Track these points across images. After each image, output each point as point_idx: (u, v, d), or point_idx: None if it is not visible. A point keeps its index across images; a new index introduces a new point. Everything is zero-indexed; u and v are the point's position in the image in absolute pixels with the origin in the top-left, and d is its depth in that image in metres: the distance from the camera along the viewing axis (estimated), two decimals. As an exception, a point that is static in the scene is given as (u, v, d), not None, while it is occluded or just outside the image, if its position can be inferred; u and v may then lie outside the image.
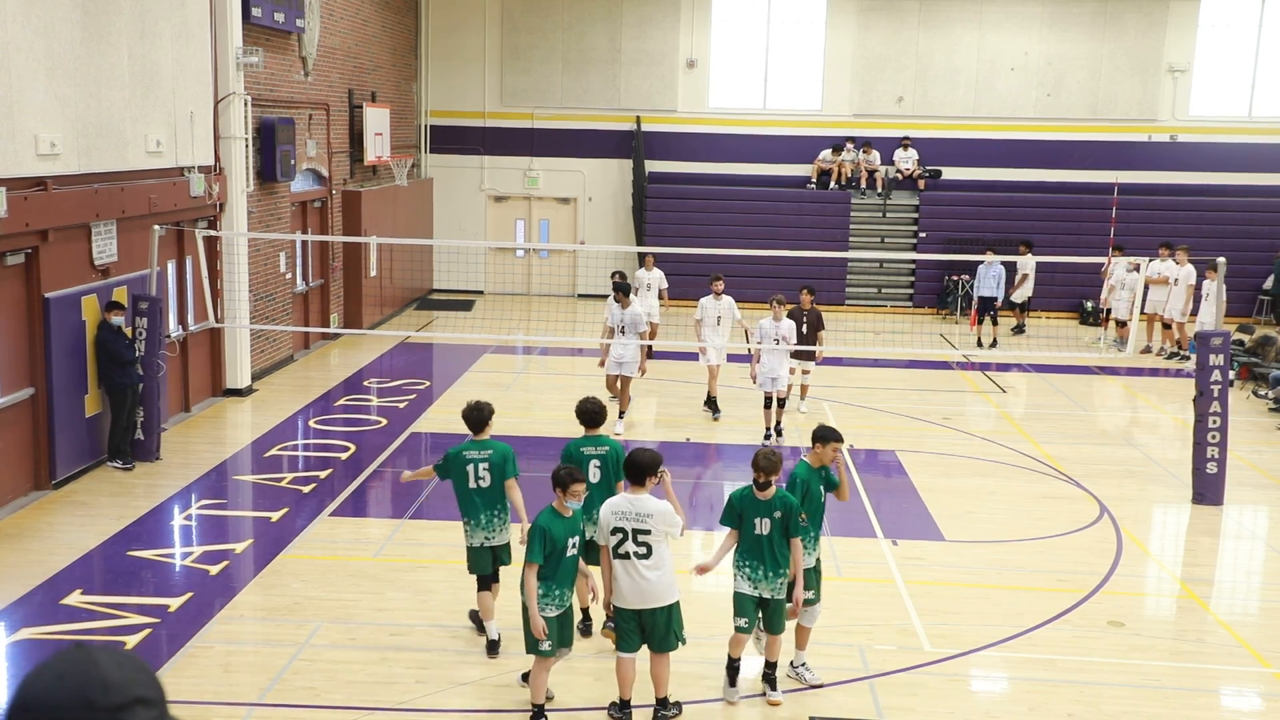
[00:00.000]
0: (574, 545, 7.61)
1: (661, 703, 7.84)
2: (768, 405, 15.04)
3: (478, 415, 8.75)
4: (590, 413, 9.10)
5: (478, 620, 9.04)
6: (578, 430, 15.78)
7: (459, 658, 8.77)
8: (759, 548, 7.94)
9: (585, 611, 9.16)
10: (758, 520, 7.92)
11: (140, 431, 13.47)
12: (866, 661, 8.88)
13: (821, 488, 8.38)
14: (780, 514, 7.92)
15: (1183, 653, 9.32)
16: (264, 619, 9.40)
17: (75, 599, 9.66)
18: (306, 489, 12.85)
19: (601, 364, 15.75)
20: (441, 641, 9.05)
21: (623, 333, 15.11)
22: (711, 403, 16.34)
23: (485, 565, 8.76)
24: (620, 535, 7.57)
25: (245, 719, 7.82)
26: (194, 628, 9.13)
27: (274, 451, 14.38)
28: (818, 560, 8.48)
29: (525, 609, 7.52)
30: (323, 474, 13.46)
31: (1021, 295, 23.17)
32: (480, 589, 8.84)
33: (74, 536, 11.10)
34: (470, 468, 8.63)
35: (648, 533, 7.54)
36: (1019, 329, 23.68)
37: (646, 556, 7.54)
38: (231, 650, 8.88)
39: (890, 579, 10.61)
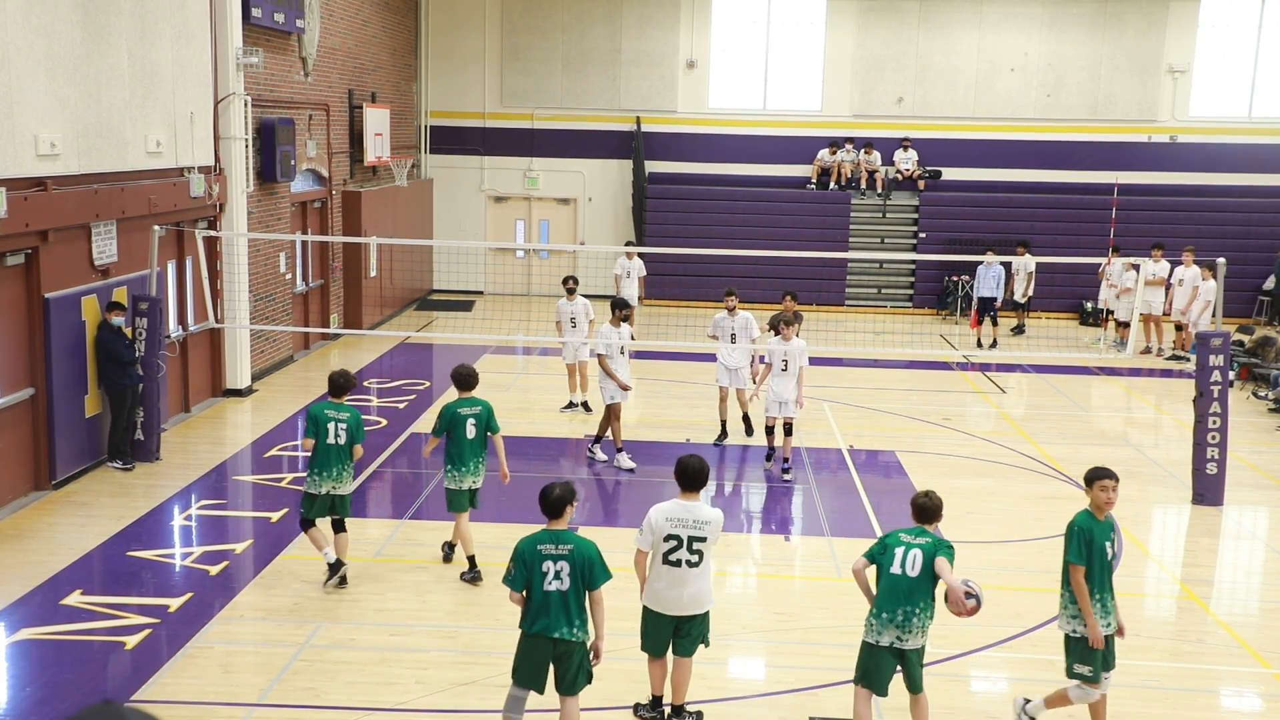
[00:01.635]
0: None
1: (677, 710, 7.77)
2: (770, 430, 13.99)
3: (343, 382, 10.10)
4: (464, 376, 10.32)
5: (336, 570, 10.00)
6: (575, 431, 15.81)
7: (459, 658, 8.77)
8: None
9: (449, 545, 10.61)
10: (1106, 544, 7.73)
11: (140, 432, 13.47)
12: (866, 661, 8.87)
13: (1108, 544, 7.71)
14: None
15: (1183, 653, 9.32)
16: (264, 619, 9.39)
17: (75, 599, 9.66)
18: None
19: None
20: (441, 642, 9.06)
21: (621, 353, 14.01)
22: (725, 430, 15.14)
23: (325, 510, 10.03)
24: (674, 542, 7.44)
25: (245, 719, 7.83)
26: (194, 628, 9.13)
27: (274, 451, 14.37)
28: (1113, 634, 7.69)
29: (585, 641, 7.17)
30: (323, 474, 13.43)
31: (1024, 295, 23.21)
32: (307, 528, 10.05)
33: (74, 536, 11.10)
34: (331, 426, 9.90)
35: (703, 540, 7.47)
36: (1019, 329, 23.69)
37: (698, 565, 7.47)
38: (231, 650, 8.88)
39: (890, 579, 10.59)
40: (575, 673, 7.06)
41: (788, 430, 13.63)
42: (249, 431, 15.36)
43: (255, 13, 16.83)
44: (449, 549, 10.74)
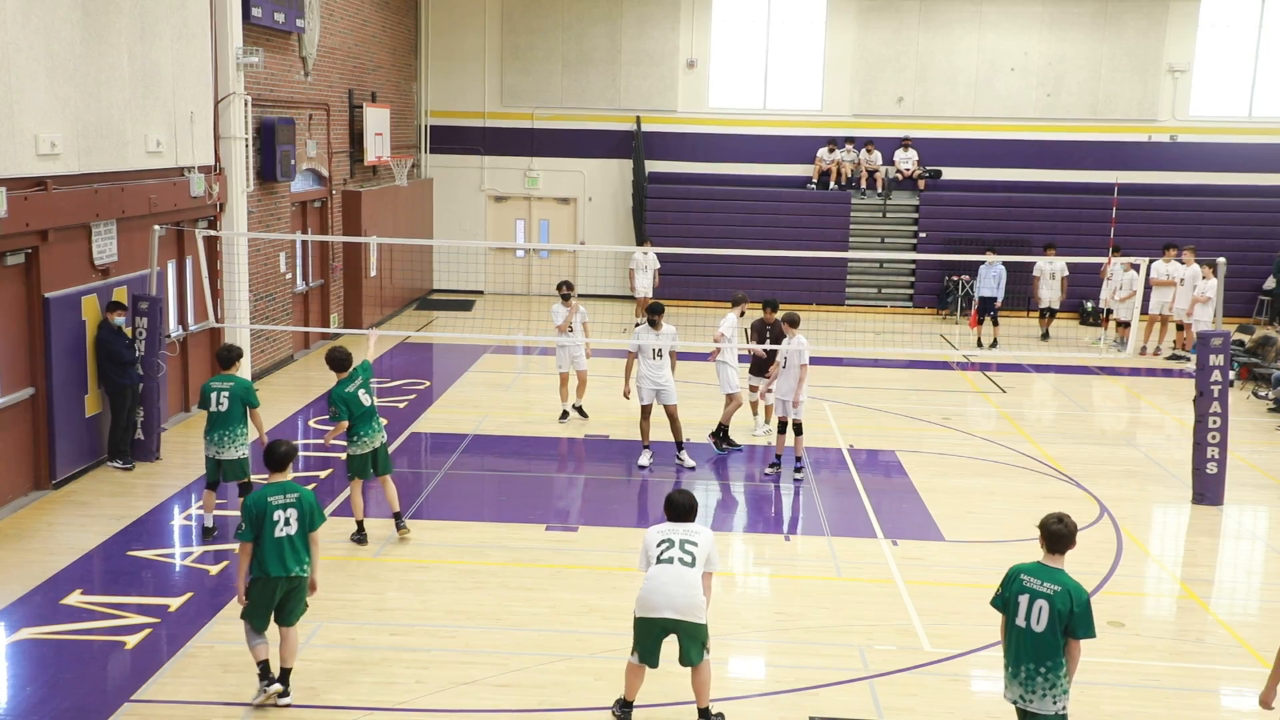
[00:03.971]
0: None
1: (703, 714, 7.76)
2: (781, 430, 13.75)
3: (227, 355, 11.22)
4: (338, 359, 11.00)
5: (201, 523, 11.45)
6: (574, 431, 15.84)
7: (459, 657, 8.77)
8: None
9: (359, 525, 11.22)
10: None
11: (140, 431, 13.47)
12: (866, 661, 8.88)
13: None
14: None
15: (1183, 653, 9.32)
16: (264, 619, 9.39)
17: (75, 599, 9.66)
18: (306, 489, 12.83)
19: (626, 395, 14.13)
20: (441, 641, 9.06)
21: (658, 356, 13.71)
22: (723, 433, 14.62)
23: (214, 474, 11.16)
24: (667, 544, 7.62)
25: (245, 719, 7.83)
26: (194, 628, 9.13)
27: (274, 451, 14.35)
28: None
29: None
30: (323, 474, 13.45)
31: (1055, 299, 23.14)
32: (209, 488, 11.28)
33: (74, 536, 11.10)
34: (213, 395, 10.93)
35: (695, 544, 7.61)
36: (1046, 336, 23.46)
37: (690, 565, 7.53)
38: (231, 650, 8.86)
39: (890, 579, 10.61)
40: (297, 605, 8.01)
41: (797, 430, 13.62)
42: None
43: (255, 12, 16.83)
44: (360, 531, 11.24)
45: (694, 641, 7.57)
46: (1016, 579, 6.63)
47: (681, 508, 7.77)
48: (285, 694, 7.94)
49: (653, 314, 13.78)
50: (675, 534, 7.66)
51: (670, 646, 7.68)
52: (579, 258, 27.48)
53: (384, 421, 11.37)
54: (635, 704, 7.88)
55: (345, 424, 10.90)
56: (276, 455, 8.08)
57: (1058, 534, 6.57)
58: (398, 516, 11.30)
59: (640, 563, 7.76)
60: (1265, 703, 6.70)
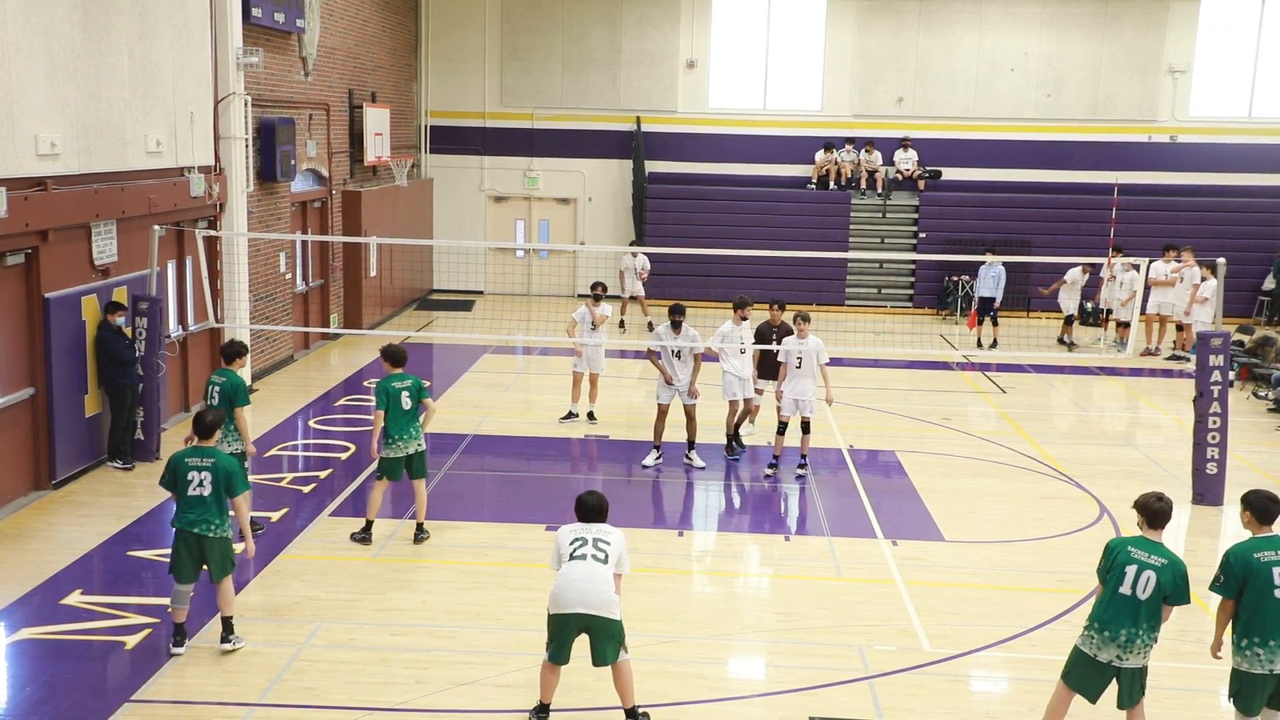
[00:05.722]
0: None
1: (630, 714, 7.74)
2: (781, 431, 13.73)
3: (228, 350, 11.40)
4: (395, 354, 11.22)
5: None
6: (574, 431, 15.82)
7: (459, 658, 8.78)
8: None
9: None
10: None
11: (140, 431, 13.47)
12: (866, 661, 8.88)
13: None
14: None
15: (1183, 653, 9.32)
16: (264, 619, 9.39)
17: (75, 599, 9.66)
18: (306, 489, 12.85)
19: (669, 381, 13.87)
20: (441, 642, 9.06)
21: (678, 356, 13.82)
22: (735, 438, 14.58)
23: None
24: (580, 542, 7.66)
25: (245, 719, 7.83)
26: (194, 628, 9.11)
27: (274, 451, 14.37)
28: None
29: None
30: (323, 474, 13.46)
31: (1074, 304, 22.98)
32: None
33: (74, 536, 11.11)
34: (208, 389, 11.18)
35: (609, 544, 7.66)
36: (1072, 344, 22.94)
37: (604, 562, 7.57)
38: (231, 650, 8.87)
39: (890, 579, 10.61)
40: (222, 562, 8.66)
41: (804, 428, 13.70)
42: (249, 431, 15.31)
43: (255, 12, 16.83)
44: (366, 530, 11.22)
45: (608, 639, 7.55)
46: (1122, 549, 7.18)
47: (590, 509, 7.84)
48: (226, 640, 8.72)
49: (675, 315, 13.79)
50: (588, 533, 7.70)
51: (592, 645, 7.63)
52: (578, 258, 27.48)
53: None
54: (552, 707, 7.85)
55: (383, 413, 10.84)
56: (203, 423, 8.77)
57: (1158, 511, 7.22)
58: (420, 526, 11.24)
59: (553, 561, 7.76)
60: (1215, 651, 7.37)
